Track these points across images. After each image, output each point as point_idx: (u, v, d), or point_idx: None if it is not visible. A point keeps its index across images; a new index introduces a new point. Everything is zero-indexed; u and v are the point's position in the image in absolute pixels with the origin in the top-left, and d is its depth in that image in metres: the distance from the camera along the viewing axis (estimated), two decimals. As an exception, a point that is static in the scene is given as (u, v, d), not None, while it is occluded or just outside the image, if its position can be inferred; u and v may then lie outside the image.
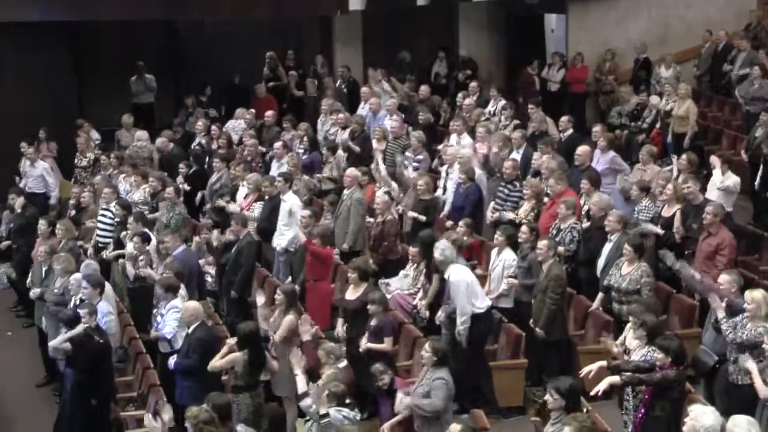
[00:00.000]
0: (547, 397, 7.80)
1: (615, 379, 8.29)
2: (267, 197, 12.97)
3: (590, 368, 8.51)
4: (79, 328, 9.66)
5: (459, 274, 10.08)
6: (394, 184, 13.57)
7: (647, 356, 8.52)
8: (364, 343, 9.95)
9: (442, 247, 10.18)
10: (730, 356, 8.78)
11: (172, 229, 12.10)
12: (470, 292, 10.04)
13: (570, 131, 14.64)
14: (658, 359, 8.22)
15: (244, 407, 9.05)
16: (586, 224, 11.50)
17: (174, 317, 10.04)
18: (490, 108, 16.14)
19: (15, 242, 13.55)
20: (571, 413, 7.48)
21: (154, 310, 10.49)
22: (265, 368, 9.33)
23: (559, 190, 11.98)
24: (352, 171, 13.23)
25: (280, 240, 12.56)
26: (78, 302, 10.36)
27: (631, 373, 8.30)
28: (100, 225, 12.98)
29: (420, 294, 11.12)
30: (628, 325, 9.20)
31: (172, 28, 19.56)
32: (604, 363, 8.56)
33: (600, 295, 10.58)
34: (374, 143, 14.96)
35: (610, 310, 10.34)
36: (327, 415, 7.75)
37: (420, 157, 14.20)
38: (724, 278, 9.26)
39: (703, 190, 12.07)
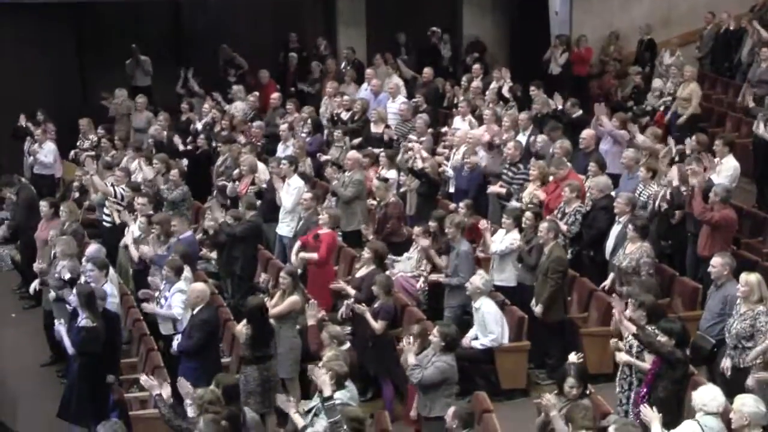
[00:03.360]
0: (570, 386, 7.87)
1: (632, 328, 8.46)
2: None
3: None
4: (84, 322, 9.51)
5: (491, 306, 10.10)
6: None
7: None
8: (358, 306, 9.93)
9: (485, 279, 10.17)
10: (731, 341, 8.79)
11: (177, 212, 12.02)
12: (503, 322, 10.13)
13: (578, 113, 14.56)
14: (662, 342, 8.22)
15: (252, 379, 9.26)
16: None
17: (180, 299, 10.06)
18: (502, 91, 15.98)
19: (20, 224, 13.54)
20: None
21: (157, 293, 10.48)
22: (271, 343, 9.41)
23: (561, 174, 11.97)
24: (353, 154, 13.22)
25: (285, 227, 12.44)
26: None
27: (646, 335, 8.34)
28: (105, 211, 12.98)
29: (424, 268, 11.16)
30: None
31: (176, 8, 19.50)
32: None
33: (611, 274, 10.61)
34: (372, 126, 14.92)
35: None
36: (331, 397, 7.77)
37: (423, 138, 14.18)
38: (716, 260, 9.30)
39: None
